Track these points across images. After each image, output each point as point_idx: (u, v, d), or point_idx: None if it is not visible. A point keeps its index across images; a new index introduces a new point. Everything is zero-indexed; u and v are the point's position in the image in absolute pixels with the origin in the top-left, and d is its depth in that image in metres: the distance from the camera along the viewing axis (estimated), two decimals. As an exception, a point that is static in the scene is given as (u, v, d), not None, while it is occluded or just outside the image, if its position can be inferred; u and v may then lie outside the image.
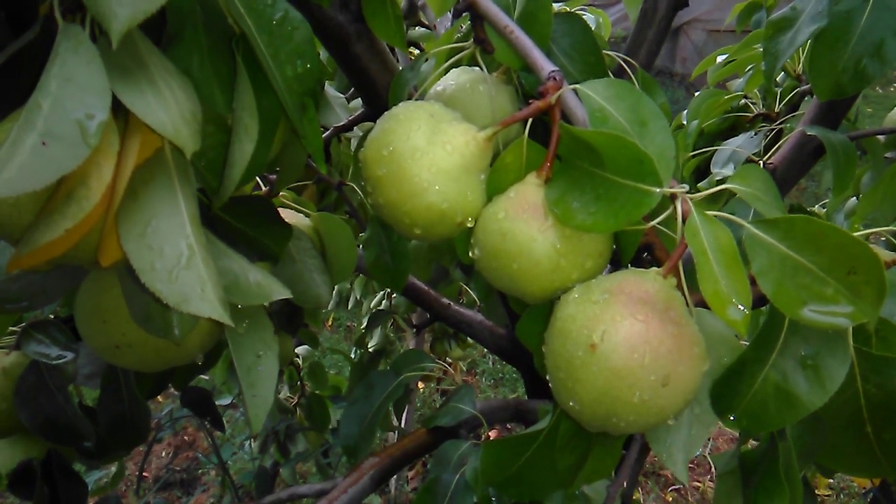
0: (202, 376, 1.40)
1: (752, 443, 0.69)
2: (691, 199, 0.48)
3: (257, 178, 0.84)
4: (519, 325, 0.62)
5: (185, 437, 3.10)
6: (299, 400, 1.76)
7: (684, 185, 0.45)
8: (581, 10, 1.47)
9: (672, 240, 0.64)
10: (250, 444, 1.97)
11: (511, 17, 0.59)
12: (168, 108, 0.38)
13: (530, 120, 0.55)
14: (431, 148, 0.51)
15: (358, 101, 1.37)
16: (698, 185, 1.43)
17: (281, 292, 0.48)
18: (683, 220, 0.48)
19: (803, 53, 1.33)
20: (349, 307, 2.61)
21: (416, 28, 1.52)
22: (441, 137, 0.52)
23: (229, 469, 2.80)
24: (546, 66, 0.54)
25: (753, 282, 0.47)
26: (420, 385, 3.38)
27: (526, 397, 1.23)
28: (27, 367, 0.83)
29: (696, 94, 1.51)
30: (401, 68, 0.67)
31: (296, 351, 1.80)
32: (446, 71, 0.72)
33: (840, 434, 0.62)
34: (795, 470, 0.55)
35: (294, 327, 1.49)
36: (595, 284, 0.49)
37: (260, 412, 0.50)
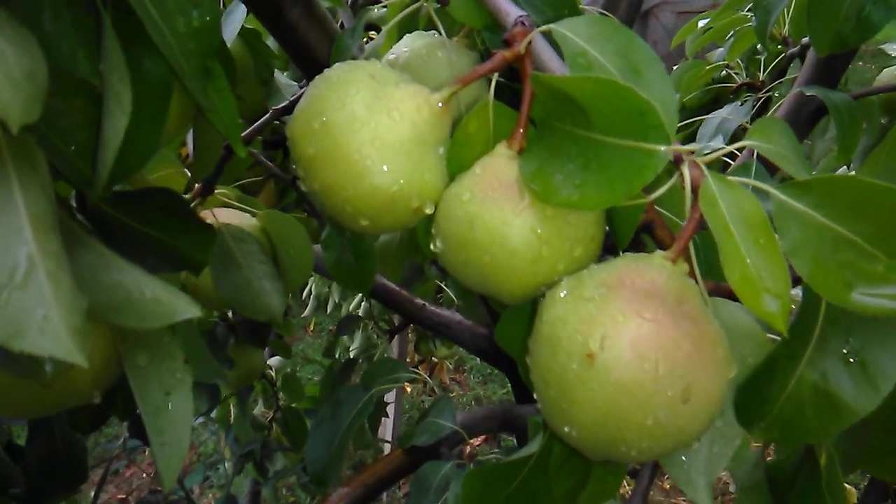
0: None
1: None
2: (704, 162, 0.38)
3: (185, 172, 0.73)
4: (498, 329, 0.52)
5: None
6: (275, 415, 1.65)
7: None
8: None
9: (670, 219, 0.54)
10: (224, 467, 1.85)
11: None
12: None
13: (495, 78, 0.45)
14: (374, 116, 0.41)
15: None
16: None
17: (188, 310, 0.37)
18: (694, 190, 0.38)
19: (788, 14, 1.23)
20: (328, 311, 2.50)
21: (375, 8, 1.41)
22: (385, 103, 0.41)
23: (213, 485, 2.68)
24: (512, 10, 0.44)
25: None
26: (407, 387, 3.28)
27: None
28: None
29: (675, 67, 1.42)
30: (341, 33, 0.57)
31: (268, 363, 1.69)
32: (399, 33, 0.62)
33: (881, 436, 0.52)
34: (841, 487, 0.45)
35: (262, 339, 1.38)
36: (588, 277, 0.39)
37: (172, 464, 0.39)
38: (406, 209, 0.43)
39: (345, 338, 1.77)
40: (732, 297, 0.47)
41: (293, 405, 1.63)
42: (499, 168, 0.42)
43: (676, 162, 0.38)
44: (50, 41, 0.34)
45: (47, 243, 0.29)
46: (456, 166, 0.44)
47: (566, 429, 0.38)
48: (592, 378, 0.36)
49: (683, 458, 0.46)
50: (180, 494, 1.44)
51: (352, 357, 1.79)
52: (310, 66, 0.67)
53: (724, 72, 1.45)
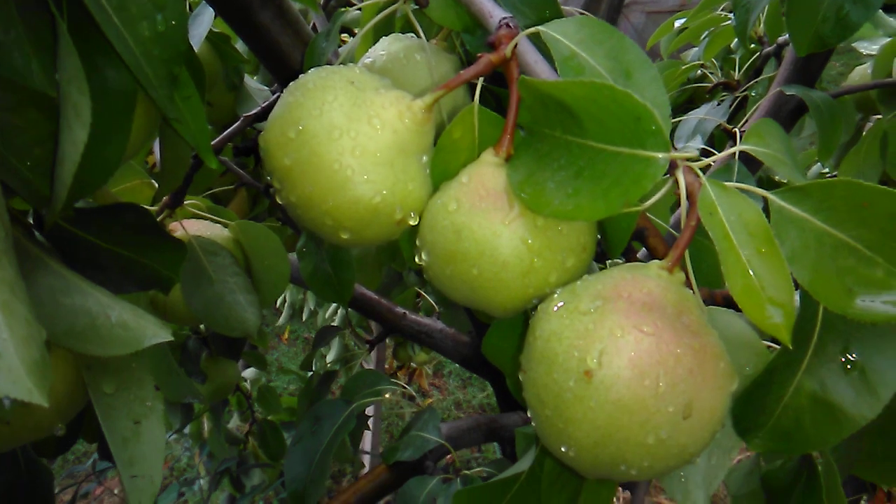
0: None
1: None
2: (699, 168, 0.36)
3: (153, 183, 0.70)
4: (485, 343, 0.50)
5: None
6: (251, 428, 1.61)
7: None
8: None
9: (662, 227, 0.53)
10: (200, 483, 1.80)
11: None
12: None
13: (480, 83, 0.43)
14: (354, 124, 0.39)
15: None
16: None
17: (156, 334, 0.34)
18: (688, 197, 0.37)
19: (763, 14, 1.24)
20: (304, 318, 2.46)
21: (349, 12, 1.39)
22: (366, 110, 0.39)
23: (188, 502, 2.62)
24: (496, 11, 0.42)
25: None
26: (385, 394, 3.24)
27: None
28: None
29: (651, 66, 1.41)
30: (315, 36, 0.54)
31: (243, 375, 1.65)
32: (375, 34, 0.60)
33: (877, 441, 0.52)
34: (841, 496, 0.44)
35: (236, 351, 1.35)
36: (582, 289, 0.37)
37: (144, 497, 0.37)
38: (389, 221, 0.41)
39: (322, 348, 1.74)
40: (726, 304, 0.46)
41: (270, 418, 1.60)
42: (486, 176, 0.40)
43: (671, 168, 0.37)
44: (1, 51, 0.31)
45: (1, 270, 0.26)
46: (440, 175, 0.42)
47: (563, 448, 0.37)
48: (591, 396, 0.34)
49: (681, 471, 0.44)
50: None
51: (329, 367, 1.75)
52: (282, 70, 0.64)
53: (699, 72, 1.45)
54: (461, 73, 0.40)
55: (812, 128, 1.17)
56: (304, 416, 0.83)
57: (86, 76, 0.31)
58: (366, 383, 0.85)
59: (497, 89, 0.55)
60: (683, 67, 1.37)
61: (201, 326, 1.27)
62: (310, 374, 1.52)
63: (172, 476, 2.64)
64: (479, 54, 0.40)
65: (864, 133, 1.04)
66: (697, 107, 1.34)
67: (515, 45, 0.40)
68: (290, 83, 0.41)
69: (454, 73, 0.55)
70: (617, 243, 0.42)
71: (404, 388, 0.91)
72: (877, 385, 0.40)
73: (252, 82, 1.08)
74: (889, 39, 1.08)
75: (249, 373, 1.68)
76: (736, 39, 1.33)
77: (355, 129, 0.38)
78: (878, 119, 1.08)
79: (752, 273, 0.33)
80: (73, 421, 0.81)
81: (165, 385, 0.68)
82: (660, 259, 0.39)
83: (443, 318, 1.10)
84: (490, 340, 0.50)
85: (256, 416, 1.58)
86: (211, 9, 0.69)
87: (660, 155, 0.32)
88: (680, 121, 1.23)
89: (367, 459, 2.08)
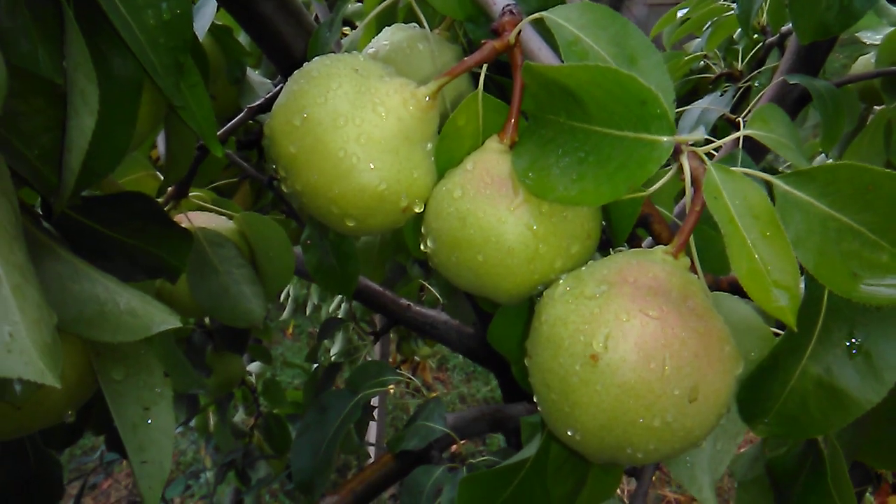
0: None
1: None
2: (703, 153, 0.37)
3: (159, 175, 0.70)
4: (491, 331, 0.50)
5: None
6: (256, 421, 1.62)
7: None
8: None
9: (666, 217, 0.53)
10: (206, 476, 1.81)
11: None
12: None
13: (484, 71, 0.43)
14: (358, 112, 0.39)
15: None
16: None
17: (165, 321, 0.35)
18: (693, 181, 0.37)
19: (766, 4, 1.23)
20: (308, 313, 2.46)
21: (351, 3, 1.38)
22: (370, 98, 0.39)
23: (194, 495, 2.63)
24: (499, -2, 0.42)
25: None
26: (390, 388, 3.25)
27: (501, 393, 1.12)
28: None
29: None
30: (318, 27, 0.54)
31: (248, 369, 1.65)
32: (378, 25, 0.60)
33: (883, 427, 0.52)
34: (847, 481, 0.44)
35: (241, 345, 1.35)
36: (587, 274, 0.37)
37: (154, 483, 0.37)
38: (394, 208, 0.41)
39: (326, 341, 1.74)
40: (731, 290, 0.46)
41: (275, 411, 1.60)
42: (490, 163, 0.40)
43: (675, 153, 0.37)
44: (7, 39, 0.31)
45: (11, 255, 0.27)
46: (445, 162, 0.43)
47: (569, 433, 0.37)
48: (597, 380, 0.34)
49: (687, 456, 0.44)
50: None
51: (333, 360, 1.76)
52: (285, 61, 0.64)
53: (702, 62, 1.44)
54: (465, 60, 0.40)
55: (815, 118, 1.17)
56: (309, 407, 0.83)
57: (93, 64, 0.31)
58: (371, 374, 0.86)
59: (500, 78, 0.55)
60: (686, 58, 1.36)
61: (206, 320, 1.28)
62: (315, 366, 1.53)
63: (178, 469, 2.65)
64: (482, 41, 0.40)
65: (867, 122, 1.04)
66: (700, 97, 1.34)
67: (519, 32, 0.40)
68: (295, 72, 0.42)
69: (457, 62, 0.55)
70: (622, 230, 0.42)
71: (410, 378, 0.91)
72: (882, 369, 0.40)
73: (254, 75, 1.08)
74: (893, 29, 1.07)
75: (254, 367, 1.69)
76: (739, 29, 1.33)
77: (360, 117, 0.39)
78: (882, 108, 1.08)
79: (757, 256, 0.33)
80: (80, 413, 0.82)
81: (172, 376, 0.68)
82: (664, 245, 0.39)
83: (447, 309, 1.10)
84: (495, 328, 0.50)
85: (262, 410, 1.59)
86: (214, 0, 0.69)
87: (665, 138, 0.32)
88: (683, 111, 1.23)
89: (372, 451, 2.08)
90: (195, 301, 0.69)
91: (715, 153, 0.94)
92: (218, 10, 0.72)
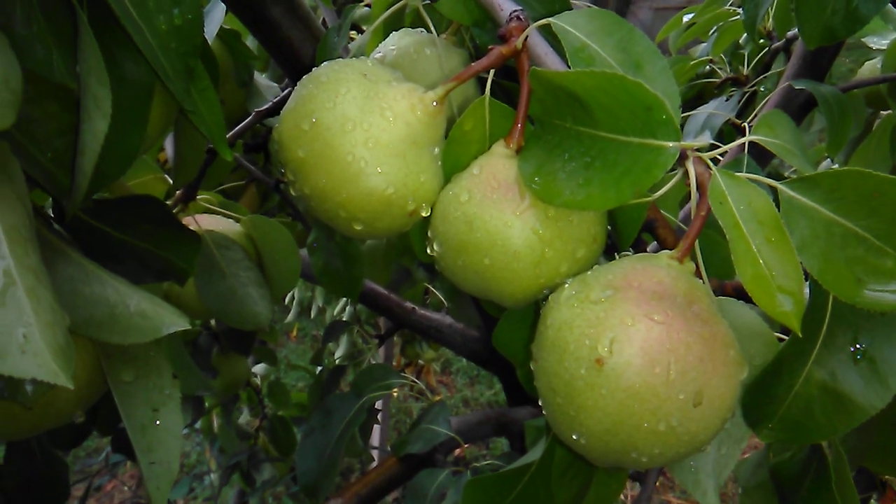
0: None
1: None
2: (709, 158, 0.37)
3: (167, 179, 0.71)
4: (496, 334, 0.51)
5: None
6: (261, 423, 1.62)
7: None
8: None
9: (671, 222, 0.53)
10: (210, 478, 1.82)
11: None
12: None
13: (491, 76, 0.43)
14: (367, 116, 0.39)
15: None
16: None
17: (175, 323, 0.35)
18: (699, 187, 0.37)
19: (772, 9, 1.23)
20: (312, 316, 2.46)
21: (359, 8, 1.39)
22: (378, 102, 0.40)
23: (198, 497, 2.63)
24: (506, 4, 0.43)
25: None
26: (394, 391, 3.25)
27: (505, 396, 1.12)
28: None
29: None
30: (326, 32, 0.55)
31: (253, 371, 1.66)
32: (385, 30, 0.60)
33: (888, 433, 0.52)
34: (851, 487, 0.44)
35: (246, 347, 1.36)
36: (593, 278, 0.37)
37: (162, 483, 0.37)
38: (402, 212, 0.41)
39: (330, 344, 1.75)
40: (736, 295, 0.46)
41: (280, 413, 1.61)
42: (497, 167, 0.40)
43: (681, 158, 0.37)
44: (23, 44, 0.32)
45: (25, 257, 0.27)
46: (452, 166, 0.43)
47: (574, 436, 0.37)
48: (602, 384, 0.34)
49: (691, 461, 0.44)
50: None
51: (337, 363, 1.76)
52: (293, 65, 0.65)
53: (707, 67, 1.44)
54: (472, 65, 0.40)
55: (821, 123, 1.16)
56: (314, 410, 0.84)
57: (106, 69, 0.32)
58: (375, 377, 0.86)
59: (507, 83, 0.55)
60: (692, 63, 1.36)
61: (212, 322, 1.28)
62: (319, 369, 1.53)
63: (182, 471, 2.66)
64: (489, 47, 0.41)
65: (873, 128, 1.04)
66: (706, 102, 1.34)
67: (526, 38, 0.40)
68: (304, 76, 0.42)
69: (464, 67, 0.55)
70: (627, 234, 0.42)
71: (414, 382, 0.92)
72: (886, 375, 0.40)
73: (262, 79, 1.08)
74: (899, 33, 1.07)
75: (259, 368, 1.69)
76: (745, 34, 1.33)
77: (368, 122, 0.39)
78: (888, 113, 1.08)
79: (762, 262, 0.33)
80: (87, 415, 0.82)
81: (180, 378, 0.69)
82: (670, 250, 0.39)
83: (451, 313, 1.10)
84: (501, 331, 0.50)
85: (266, 412, 1.59)
86: (222, 5, 0.69)
87: (670, 144, 0.32)
88: (689, 116, 1.23)
89: (375, 455, 2.08)
90: (202, 303, 0.69)
91: (720, 158, 0.94)
92: (226, 14, 0.72)
